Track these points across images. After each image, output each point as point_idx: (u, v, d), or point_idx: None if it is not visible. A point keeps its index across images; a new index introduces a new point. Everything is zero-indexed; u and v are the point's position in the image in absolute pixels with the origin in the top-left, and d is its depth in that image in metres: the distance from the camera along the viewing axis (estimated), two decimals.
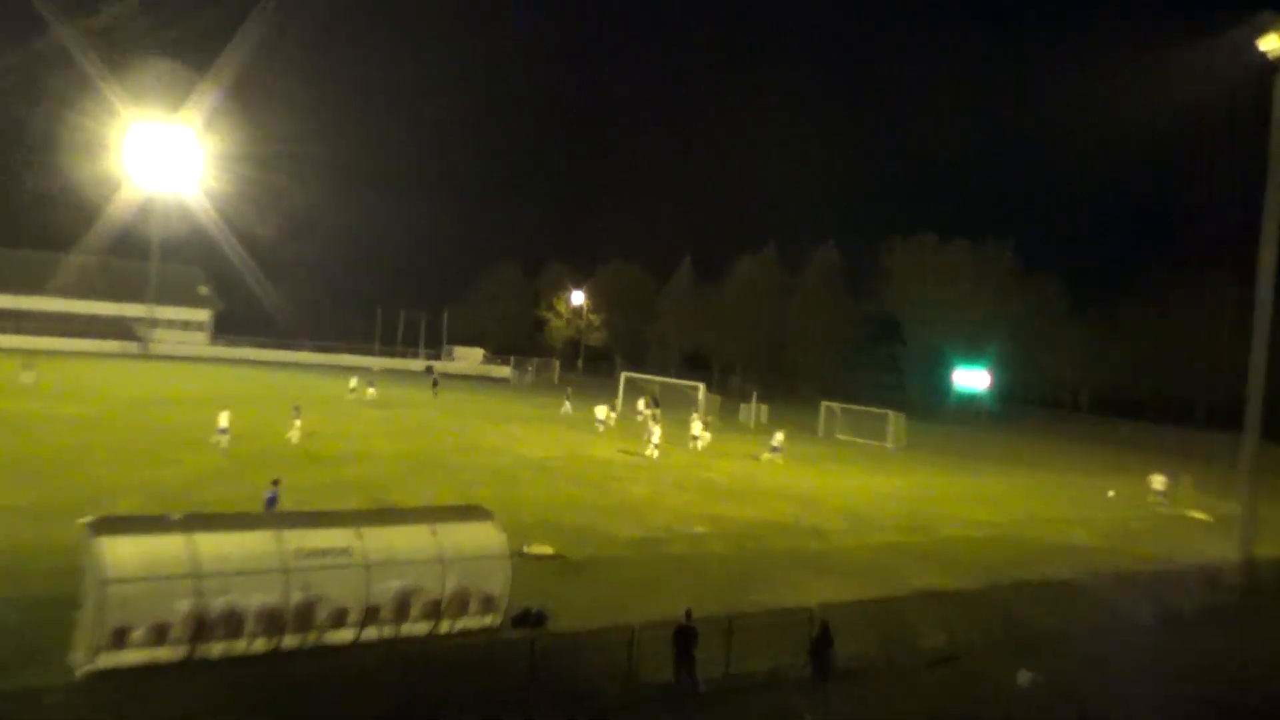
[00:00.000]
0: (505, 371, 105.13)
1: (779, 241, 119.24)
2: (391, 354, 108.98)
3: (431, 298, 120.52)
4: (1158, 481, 48.22)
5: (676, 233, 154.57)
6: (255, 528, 18.69)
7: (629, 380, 74.11)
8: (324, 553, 18.68)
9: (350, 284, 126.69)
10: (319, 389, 65.70)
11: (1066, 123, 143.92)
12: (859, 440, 64.36)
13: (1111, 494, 48.85)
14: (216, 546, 17.81)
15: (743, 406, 74.69)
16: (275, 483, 25.26)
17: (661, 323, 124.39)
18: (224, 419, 37.63)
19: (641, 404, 62.63)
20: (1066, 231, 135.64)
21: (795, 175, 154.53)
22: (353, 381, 62.66)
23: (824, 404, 71.14)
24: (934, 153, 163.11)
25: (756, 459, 49.30)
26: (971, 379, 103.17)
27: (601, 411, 57.41)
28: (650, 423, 50.12)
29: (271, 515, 21.58)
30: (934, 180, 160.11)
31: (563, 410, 63.68)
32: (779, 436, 50.41)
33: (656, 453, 46.00)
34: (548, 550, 26.22)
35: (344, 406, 56.40)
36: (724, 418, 70.19)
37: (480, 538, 20.59)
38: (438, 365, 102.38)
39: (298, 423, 41.17)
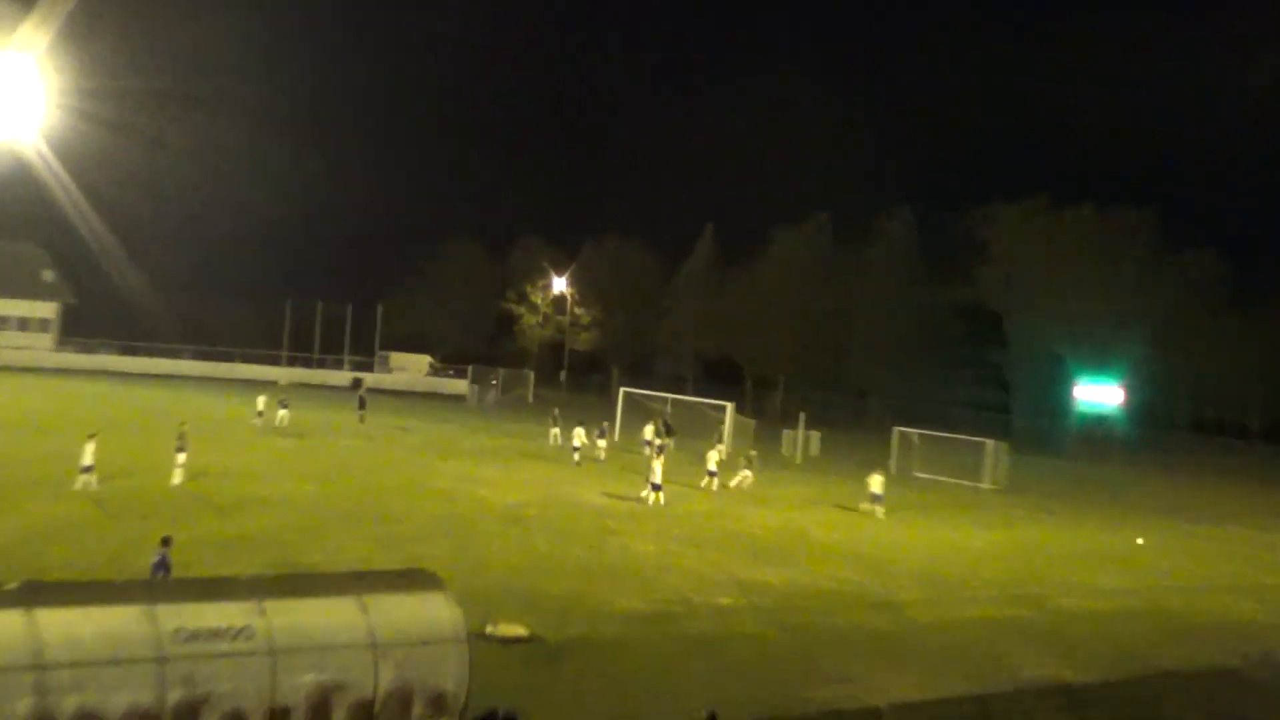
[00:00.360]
0: (461, 386, 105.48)
1: (834, 211, 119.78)
2: (306, 363, 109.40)
3: (361, 288, 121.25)
4: None
5: (694, 202, 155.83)
6: (120, 601, 18.68)
7: (630, 398, 74.28)
8: (214, 635, 18.68)
9: (249, 270, 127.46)
10: (208, 410, 65.80)
11: (1225, 52, 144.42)
12: (944, 479, 64.50)
13: None
14: (67, 627, 17.82)
15: (785, 434, 74.85)
16: (165, 542, 25.26)
17: (675, 319, 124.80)
18: (89, 453, 37.70)
19: (648, 431, 62.71)
20: (1225, 198, 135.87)
21: (852, 124, 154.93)
22: (260, 401, 62.69)
23: (896, 430, 71.30)
24: (1041, 92, 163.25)
25: (847, 509, 49.45)
26: (1099, 394, 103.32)
27: (579, 436, 57.52)
28: (653, 458, 50.26)
29: (143, 586, 21.60)
30: (1042, 130, 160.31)
31: (551, 440, 63.75)
32: (877, 480, 50.23)
33: (657, 497, 46.03)
34: (519, 630, 26.24)
35: (242, 434, 56.49)
36: (761, 449, 70.33)
37: (427, 614, 20.59)
38: (369, 378, 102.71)
39: (181, 457, 41.15)
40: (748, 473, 53.43)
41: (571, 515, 42.10)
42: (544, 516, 41.28)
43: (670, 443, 63.69)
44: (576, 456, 56.59)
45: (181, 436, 42.01)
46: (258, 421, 60.56)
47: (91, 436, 38.71)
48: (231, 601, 19.33)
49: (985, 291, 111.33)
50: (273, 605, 19.43)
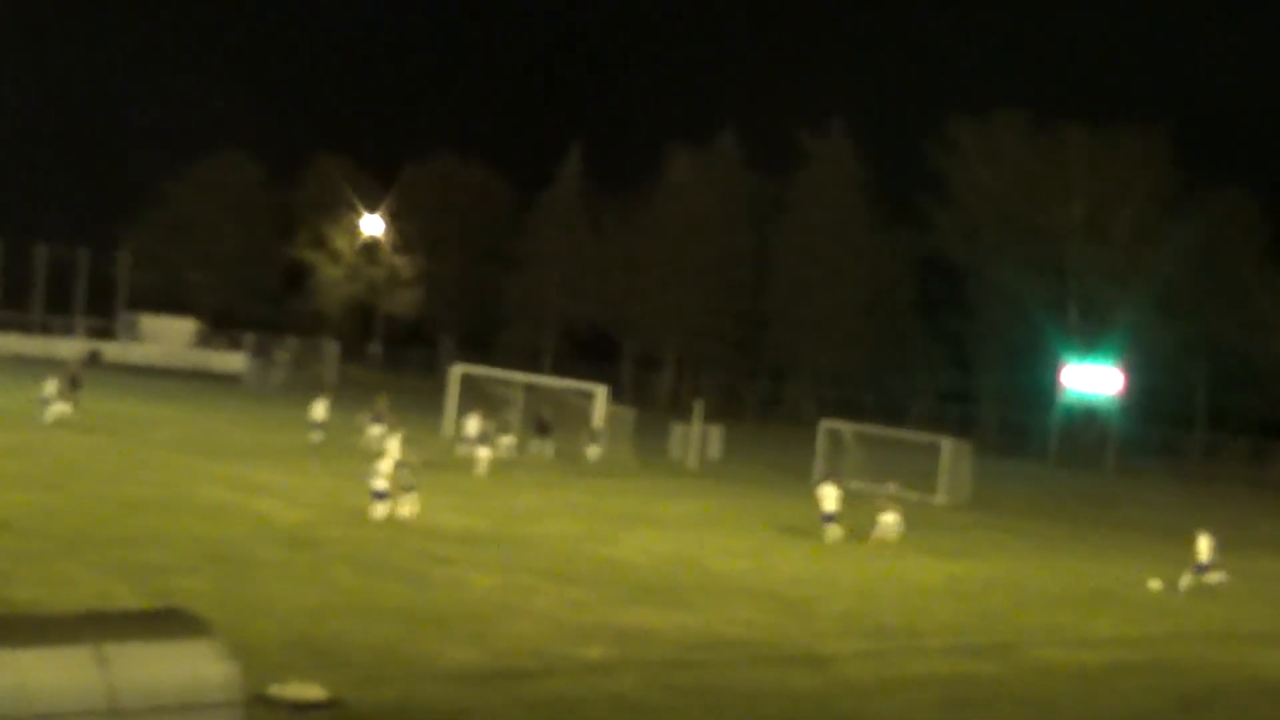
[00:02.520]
0: (236, 362, 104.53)
1: (747, 130, 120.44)
2: (24, 328, 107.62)
3: (95, 225, 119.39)
4: None
5: (558, 113, 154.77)
6: None
7: (469, 381, 74.07)
8: None
9: None
10: None
11: None
12: (886, 490, 65.07)
13: None
14: None
15: (675, 430, 75.17)
16: None
17: (529, 272, 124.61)
18: None
19: (471, 425, 62.28)
20: (1261, 120, 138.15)
21: (775, 15, 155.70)
22: (49, 387, 62.55)
23: (824, 425, 71.91)
24: None
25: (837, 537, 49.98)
26: (1091, 379, 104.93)
27: (319, 410, 58.13)
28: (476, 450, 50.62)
29: None
30: (1023, 26, 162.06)
31: (364, 439, 62.27)
32: (829, 494, 51.34)
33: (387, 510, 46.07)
34: (315, 693, 26.17)
35: None
36: (641, 449, 70.56)
37: (188, 669, 20.50)
38: (111, 349, 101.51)
39: None
40: (891, 518, 52.64)
41: (385, 539, 41.93)
42: (347, 539, 41.05)
43: (546, 445, 64.16)
44: (318, 438, 57.34)
45: None
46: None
47: None
48: None
49: (944, 239, 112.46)
50: None
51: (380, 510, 45.12)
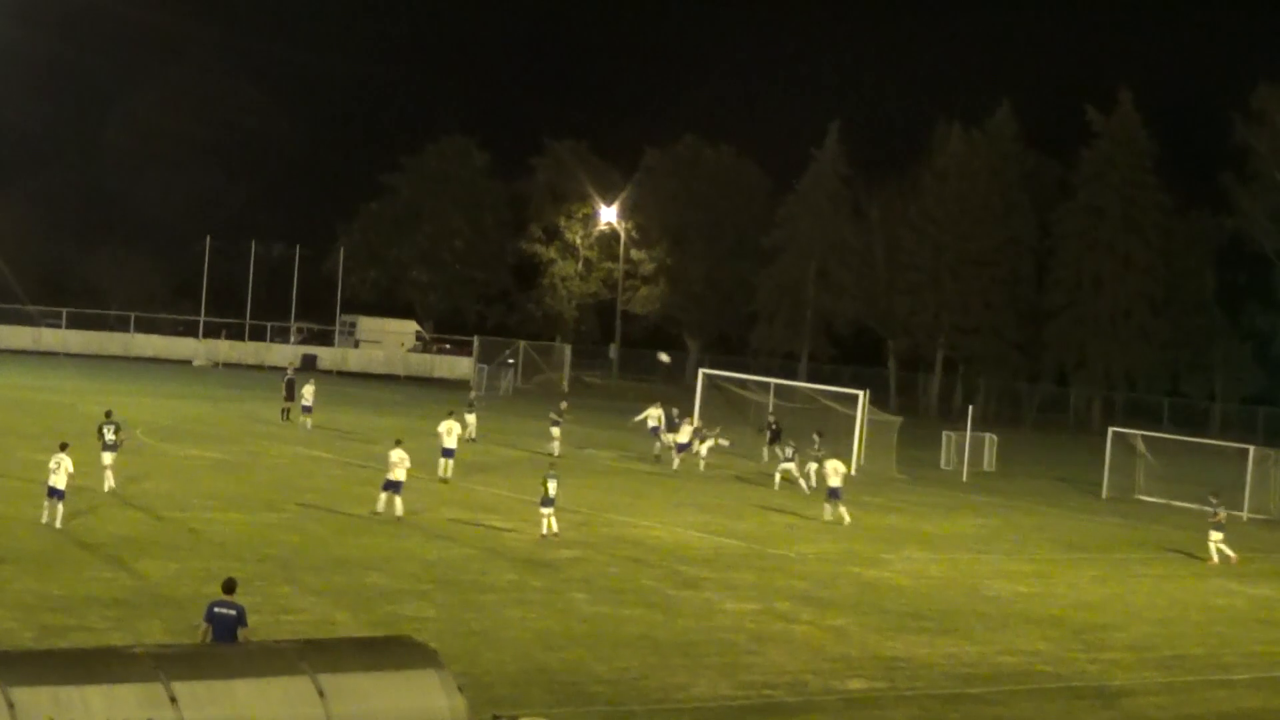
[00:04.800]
0: (463, 367, 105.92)
1: (1021, 103, 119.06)
2: (236, 334, 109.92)
3: (309, 223, 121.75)
4: None
5: (814, 90, 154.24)
6: None
7: (712, 384, 74.20)
8: None
9: (141, 198, 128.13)
10: (90, 403, 66.45)
11: None
12: (1182, 504, 63.91)
13: None
14: None
15: (946, 438, 74.62)
16: (228, 588, 25.91)
17: (786, 263, 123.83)
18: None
19: (655, 415, 63.17)
20: None
21: None
22: (468, 419, 65.91)
23: (1112, 431, 70.89)
24: None
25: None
26: None
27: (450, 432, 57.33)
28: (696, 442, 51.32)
29: None
30: None
31: (550, 446, 63.92)
32: (835, 468, 52.62)
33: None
34: None
35: (135, 441, 57.03)
36: (910, 459, 70.16)
37: (414, 702, 20.77)
38: (326, 355, 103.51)
39: (108, 457, 45.21)
40: (1218, 535, 51.33)
41: (627, 559, 42.21)
42: (585, 561, 41.36)
43: (788, 454, 64.27)
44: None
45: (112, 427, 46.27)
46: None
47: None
48: (126, 684, 19.58)
49: (1248, 223, 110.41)
50: (186, 690, 19.67)
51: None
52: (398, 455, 45.99)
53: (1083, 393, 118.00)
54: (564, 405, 69.96)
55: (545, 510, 44.06)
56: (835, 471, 52.12)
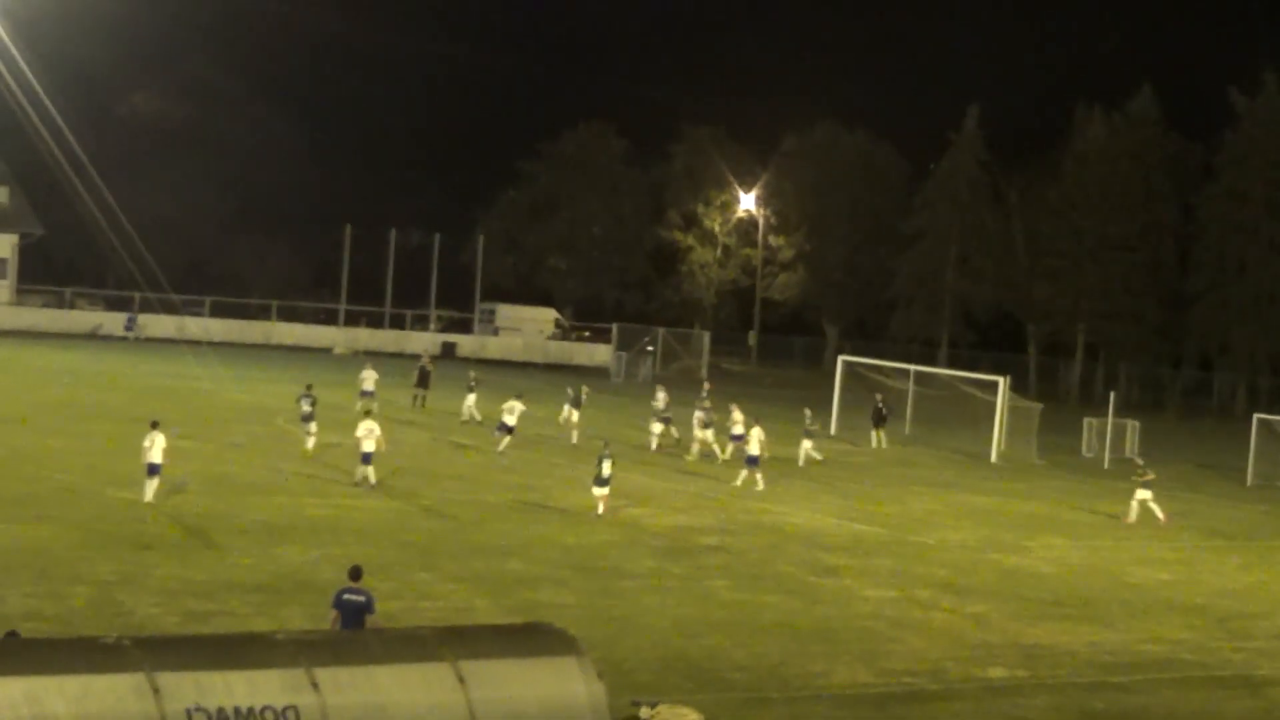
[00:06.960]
0: (602, 354, 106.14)
1: (1164, 85, 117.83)
2: (375, 322, 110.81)
3: (446, 211, 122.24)
4: None
5: (951, 74, 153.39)
6: (105, 666, 19.10)
7: (851, 371, 74.00)
8: (243, 718, 19.10)
9: (281, 188, 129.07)
10: (233, 390, 67.06)
11: None
12: None
13: None
14: (25, 701, 18.24)
15: (1086, 424, 74.00)
16: (354, 574, 26.17)
17: (925, 249, 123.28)
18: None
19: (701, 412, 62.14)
20: None
21: None
22: (368, 378, 66.41)
23: (1257, 418, 70.08)
24: None
25: None
26: None
27: (512, 412, 57.42)
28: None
29: (143, 645, 22.16)
30: None
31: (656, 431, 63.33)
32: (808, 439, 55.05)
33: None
34: (689, 714, 26.40)
35: (279, 428, 57.52)
36: (1050, 445, 69.63)
37: (553, 689, 20.80)
38: (465, 342, 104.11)
39: (312, 426, 51.53)
40: None
41: (766, 546, 42.24)
42: (725, 549, 41.44)
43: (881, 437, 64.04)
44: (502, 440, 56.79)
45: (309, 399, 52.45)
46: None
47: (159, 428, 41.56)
48: (268, 670, 19.73)
49: None
50: (328, 676, 19.81)
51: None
52: (365, 428, 47.30)
53: (1227, 378, 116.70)
54: (707, 388, 69.27)
55: (599, 490, 44.45)
56: (756, 439, 52.41)
